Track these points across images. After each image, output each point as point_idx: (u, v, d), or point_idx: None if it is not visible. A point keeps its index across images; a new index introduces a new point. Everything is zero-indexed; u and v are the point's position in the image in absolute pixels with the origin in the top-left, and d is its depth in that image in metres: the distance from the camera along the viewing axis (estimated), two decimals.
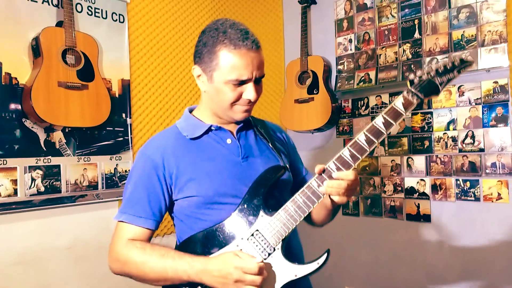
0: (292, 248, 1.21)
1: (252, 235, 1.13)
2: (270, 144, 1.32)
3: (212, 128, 1.25)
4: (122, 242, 1.16)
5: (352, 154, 1.13)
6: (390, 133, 1.10)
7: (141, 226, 1.17)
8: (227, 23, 1.14)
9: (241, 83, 1.14)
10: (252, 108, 1.22)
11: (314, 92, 2.82)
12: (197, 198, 1.17)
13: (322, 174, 1.13)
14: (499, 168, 2.19)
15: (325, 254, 1.14)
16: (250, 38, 1.12)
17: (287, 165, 1.30)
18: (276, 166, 1.25)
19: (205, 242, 1.16)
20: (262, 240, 1.13)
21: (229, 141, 1.25)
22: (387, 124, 1.11)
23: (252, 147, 1.28)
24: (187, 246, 1.17)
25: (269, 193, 1.20)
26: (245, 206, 1.17)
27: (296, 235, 1.28)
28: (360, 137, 1.12)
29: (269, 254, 1.12)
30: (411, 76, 1.12)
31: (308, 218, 1.35)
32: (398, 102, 1.12)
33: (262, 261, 1.08)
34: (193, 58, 1.21)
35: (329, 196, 1.15)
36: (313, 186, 1.13)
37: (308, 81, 2.85)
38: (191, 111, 1.33)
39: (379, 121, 1.11)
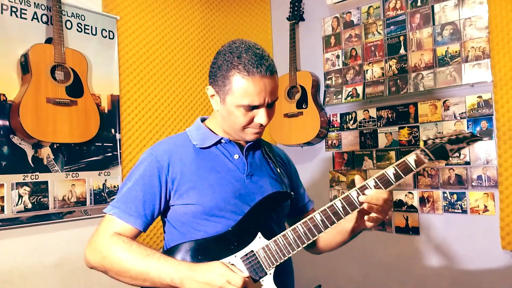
0: (283, 275, 1.20)
1: (246, 255, 1.13)
2: (275, 167, 1.33)
3: (223, 141, 1.26)
4: (108, 234, 1.13)
5: (359, 195, 1.15)
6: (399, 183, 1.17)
7: (130, 224, 1.14)
8: (243, 47, 1.13)
9: (253, 107, 1.14)
10: (263, 131, 1.23)
11: (303, 106, 2.85)
12: (196, 207, 1.16)
13: (326, 209, 1.14)
14: (485, 181, 2.23)
15: None
16: (265, 64, 1.11)
17: (292, 192, 1.31)
18: (284, 192, 1.27)
19: (197, 252, 1.14)
20: (256, 262, 1.12)
21: (236, 156, 1.25)
22: (397, 176, 1.15)
23: (258, 166, 1.29)
24: (175, 252, 1.14)
25: (269, 216, 1.21)
26: (245, 224, 1.16)
27: (289, 262, 1.26)
28: (370, 183, 1.15)
29: (260, 278, 1.12)
30: (425, 138, 1.20)
31: (312, 245, 1.36)
32: (411, 158, 1.17)
33: (249, 277, 1.07)
34: (208, 78, 1.22)
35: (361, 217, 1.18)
36: (316, 219, 1.14)
37: (297, 96, 2.89)
38: (203, 120, 1.34)
39: (390, 172, 1.15)
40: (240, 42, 1.15)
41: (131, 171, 1.23)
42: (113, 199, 1.23)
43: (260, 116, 1.16)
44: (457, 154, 1.20)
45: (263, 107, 1.15)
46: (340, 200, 1.14)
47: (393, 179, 1.15)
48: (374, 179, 1.15)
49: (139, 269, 1.07)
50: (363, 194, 1.13)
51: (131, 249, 1.09)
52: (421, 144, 1.21)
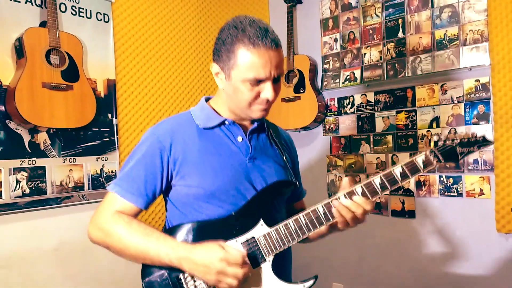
0: (282, 263, 1.21)
1: (247, 240, 1.14)
2: (280, 152, 1.32)
3: (226, 122, 1.24)
4: (110, 212, 1.15)
5: (364, 193, 1.14)
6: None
7: (132, 203, 1.16)
8: (247, 21, 1.12)
9: (259, 82, 1.13)
10: (270, 108, 1.21)
11: (301, 91, 2.84)
12: (198, 190, 1.17)
13: (330, 203, 1.15)
14: (481, 165, 2.24)
15: (312, 280, 1.15)
16: (270, 37, 1.10)
17: (296, 181, 1.30)
18: (289, 181, 1.27)
19: (198, 233, 1.15)
20: (256, 249, 1.13)
21: (240, 139, 1.24)
22: (404, 175, 1.14)
23: (261, 150, 1.28)
24: (176, 232, 1.16)
25: (271, 203, 1.21)
26: (248, 210, 1.17)
27: (289, 250, 1.27)
28: (376, 180, 1.15)
29: (259, 264, 1.13)
30: (436, 138, 1.19)
31: None
32: (419, 158, 1.16)
33: (247, 253, 1.09)
34: (212, 55, 1.20)
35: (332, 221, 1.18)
36: (319, 211, 1.15)
37: (295, 80, 2.87)
38: (207, 100, 1.32)
39: (397, 170, 1.15)
40: (244, 17, 1.14)
41: (133, 150, 1.23)
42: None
43: (267, 90, 1.13)
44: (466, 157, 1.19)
45: (269, 81, 1.13)
46: (344, 195, 1.14)
47: (399, 178, 1.14)
48: (380, 177, 1.14)
49: (138, 247, 1.09)
50: (365, 196, 1.13)
51: (131, 228, 1.11)
52: (432, 144, 1.20)
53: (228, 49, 1.12)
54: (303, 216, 1.15)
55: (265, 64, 1.10)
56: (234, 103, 1.20)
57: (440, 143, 1.18)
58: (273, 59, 1.11)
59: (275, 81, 1.16)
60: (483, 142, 1.18)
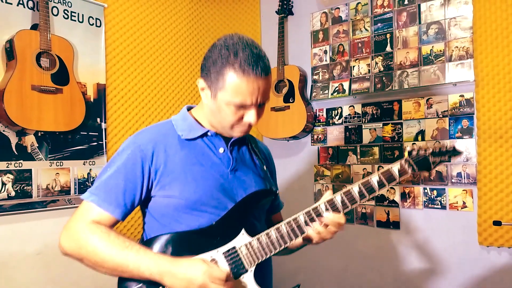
0: (263, 272, 1.21)
1: (229, 251, 1.13)
2: (260, 163, 1.33)
3: (209, 133, 1.24)
4: (85, 222, 1.10)
5: (343, 201, 1.17)
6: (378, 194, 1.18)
7: (109, 213, 1.12)
8: (240, 44, 1.11)
9: (244, 106, 1.13)
10: (251, 129, 1.22)
11: (290, 100, 2.87)
12: (178, 201, 1.15)
13: (311, 211, 1.16)
14: (464, 178, 2.29)
15: None
16: (260, 65, 1.09)
17: (276, 190, 1.31)
18: (269, 190, 1.27)
19: (178, 244, 1.12)
20: (237, 259, 1.12)
21: (221, 150, 1.24)
22: (381, 184, 1.18)
23: (243, 161, 1.28)
24: (155, 243, 1.13)
25: (252, 212, 1.21)
26: (228, 219, 1.16)
27: (269, 260, 1.26)
28: (354, 188, 1.17)
29: (241, 275, 1.12)
30: (410, 148, 1.22)
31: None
32: (395, 167, 1.19)
33: (230, 272, 1.08)
34: (200, 70, 1.19)
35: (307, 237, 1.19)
36: (300, 220, 1.16)
37: (284, 90, 2.91)
38: (189, 109, 1.31)
39: (374, 179, 1.18)
40: (237, 38, 1.13)
41: (112, 158, 1.19)
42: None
43: (250, 115, 1.15)
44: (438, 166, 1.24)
45: (254, 107, 1.14)
46: (324, 203, 1.16)
47: (377, 187, 1.17)
48: (359, 185, 1.17)
49: (117, 261, 1.06)
50: (345, 205, 1.16)
51: (109, 240, 1.07)
52: (406, 154, 1.24)
53: (217, 71, 1.11)
54: (284, 225, 1.15)
55: (252, 92, 1.10)
56: (216, 120, 1.20)
57: (414, 153, 1.21)
58: (261, 87, 1.11)
59: (260, 106, 1.17)
60: (453, 152, 1.23)
